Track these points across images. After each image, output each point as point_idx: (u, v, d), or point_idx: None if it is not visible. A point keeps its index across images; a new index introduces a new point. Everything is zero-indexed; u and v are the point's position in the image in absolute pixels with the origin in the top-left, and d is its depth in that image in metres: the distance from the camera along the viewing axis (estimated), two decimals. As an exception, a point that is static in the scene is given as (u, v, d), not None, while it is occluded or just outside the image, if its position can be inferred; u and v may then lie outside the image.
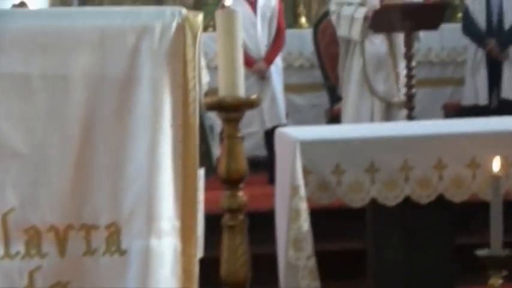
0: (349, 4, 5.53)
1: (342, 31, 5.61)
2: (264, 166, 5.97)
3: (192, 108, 1.84)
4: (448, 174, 3.10)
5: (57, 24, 1.78)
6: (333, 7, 5.63)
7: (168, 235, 1.87)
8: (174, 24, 1.84)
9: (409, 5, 5.31)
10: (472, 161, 3.11)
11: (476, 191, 3.15)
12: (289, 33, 6.77)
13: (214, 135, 6.31)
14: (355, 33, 5.49)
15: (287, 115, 6.45)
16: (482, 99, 6.20)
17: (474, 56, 6.30)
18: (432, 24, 5.47)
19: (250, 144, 6.74)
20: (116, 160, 1.77)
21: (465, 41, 6.86)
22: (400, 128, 3.55)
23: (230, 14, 2.85)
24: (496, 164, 2.99)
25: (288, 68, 6.93)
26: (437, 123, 4.25)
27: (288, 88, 6.81)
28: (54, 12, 1.98)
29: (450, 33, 7.05)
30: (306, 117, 6.98)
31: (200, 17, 1.95)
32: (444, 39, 6.63)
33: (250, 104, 2.84)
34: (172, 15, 1.83)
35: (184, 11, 1.89)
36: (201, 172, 2.22)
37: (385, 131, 3.34)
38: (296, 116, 6.93)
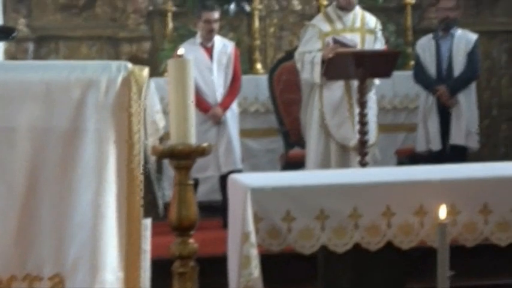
0: (310, 52, 5.64)
1: (305, 75, 5.71)
2: (219, 211, 5.98)
3: (137, 161, 1.85)
4: (396, 221, 3.14)
5: (4, 76, 1.80)
6: (297, 56, 5.75)
7: (112, 286, 1.87)
8: (120, 78, 1.87)
9: (361, 53, 5.39)
10: (420, 208, 3.16)
11: (424, 238, 3.19)
12: (245, 79, 6.84)
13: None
14: (316, 76, 5.59)
15: (242, 160, 6.48)
16: (435, 145, 6.30)
17: (425, 102, 6.40)
18: (385, 72, 5.56)
19: (206, 189, 6.76)
20: (61, 211, 1.77)
21: (417, 88, 6.99)
22: (350, 175, 3.59)
23: (182, 63, 2.89)
24: (442, 212, 3.05)
25: (243, 113, 6.97)
26: (386, 170, 4.30)
27: (244, 133, 6.84)
28: (1, 65, 1.99)
29: (402, 80, 7.17)
30: (261, 162, 7.01)
31: (146, 71, 1.98)
32: (396, 86, 6.74)
33: (201, 152, 2.87)
34: (118, 69, 1.85)
35: (129, 65, 1.91)
36: (148, 222, 2.23)
37: (335, 178, 3.37)
38: (251, 161, 6.96)
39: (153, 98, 6.68)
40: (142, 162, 1.90)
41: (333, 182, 3.21)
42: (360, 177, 3.37)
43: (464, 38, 6.39)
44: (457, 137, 6.25)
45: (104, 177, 1.82)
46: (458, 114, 6.27)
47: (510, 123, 8.23)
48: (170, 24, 7.35)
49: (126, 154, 1.88)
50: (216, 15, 6.21)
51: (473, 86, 6.41)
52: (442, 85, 6.25)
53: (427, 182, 3.24)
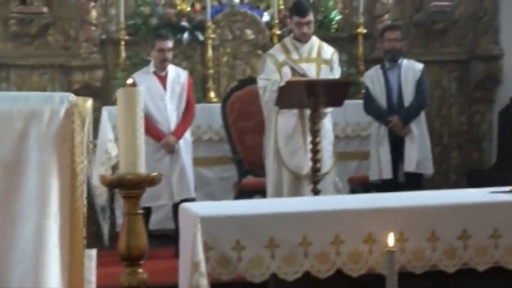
0: (275, 80, 5.69)
1: (269, 102, 5.73)
2: (172, 239, 5.95)
3: (80, 192, 1.84)
4: (345, 249, 3.16)
5: None
6: (260, 82, 5.80)
7: (55, 318, 1.85)
8: (63, 109, 1.87)
9: (313, 82, 5.44)
10: (369, 236, 3.19)
11: (373, 265, 3.22)
12: (199, 108, 6.85)
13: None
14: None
15: (196, 188, 6.47)
16: (386, 174, 6.36)
17: (377, 132, 6.46)
18: (337, 100, 5.61)
19: (160, 217, 6.73)
20: (3, 241, 1.76)
21: (368, 116, 7.09)
22: (300, 203, 3.61)
23: (131, 92, 2.89)
24: (391, 239, 3.09)
25: (197, 141, 6.98)
26: (336, 198, 4.33)
27: (197, 161, 6.84)
28: None
29: (355, 109, 7.24)
30: (214, 191, 7.01)
31: (89, 102, 1.98)
32: (349, 114, 6.80)
33: (150, 181, 2.87)
34: (61, 100, 1.85)
35: (72, 96, 1.92)
36: (92, 252, 2.22)
37: (285, 207, 3.39)
38: (205, 189, 6.95)
39: (106, 127, 6.66)
40: (85, 193, 1.89)
41: (283, 211, 3.22)
42: (310, 205, 3.39)
43: (411, 68, 6.50)
44: (410, 165, 6.33)
45: (46, 207, 1.81)
46: (411, 143, 6.35)
47: (460, 151, 8.38)
48: (123, 53, 7.35)
49: (69, 185, 1.87)
50: (169, 44, 6.24)
51: (423, 114, 6.51)
52: (395, 116, 6.34)
53: (375, 210, 3.28)
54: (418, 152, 6.34)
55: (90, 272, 2.09)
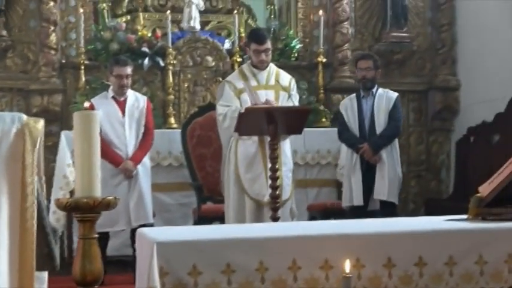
0: (235, 107, 5.67)
1: (229, 129, 5.70)
2: (131, 265, 5.89)
3: (30, 213, 1.81)
4: (302, 275, 3.15)
5: None
6: (220, 109, 5.75)
7: None
8: (14, 130, 1.84)
9: (272, 109, 5.44)
10: (325, 262, 3.18)
11: (330, 292, 3.21)
12: (159, 133, 6.85)
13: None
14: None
15: (155, 214, 6.44)
16: (357, 201, 6.38)
17: (350, 160, 6.49)
18: (296, 128, 5.62)
19: (118, 243, 6.68)
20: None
21: (328, 144, 7.14)
22: (258, 229, 3.60)
23: (87, 115, 2.88)
24: (347, 266, 3.09)
25: (156, 167, 6.97)
26: (293, 225, 4.33)
27: (157, 187, 6.82)
28: None
29: (314, 137, 7.30)
30: (174, 217, 6.99)
31: (41, 123, 1.96)
32: (308, 142, 6.79)
33: (106, 205, 2.85)
34: (12, 120, 1.83)
35: (24, 116, 1.89)
36: (44, 275, 2.18)
37: (242, 232, 3.38)
38: (164, 215, 6.93)
39: (64, 151, 6.61)
40: (35, 214, 1.87)
41: (239, 236, 3.21)
42: (267, 231, 3.38)
43: (385, 97, 6.54)
44: (380, 193, 6.37)
45: (-4, 228, 1.78)
46: (382, 171, 6.39)
47: (419, 179, 8.46)
48: (83, 77, 7.32)
49: (18, 206, 1.84)
50: (128, 70, 6.22)
51: (396, 143, 6.54)
52: (365, 143, 6.38)
53: (332, 236, 3.28)
54: (387, 181, 6.35)
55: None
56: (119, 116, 6.20)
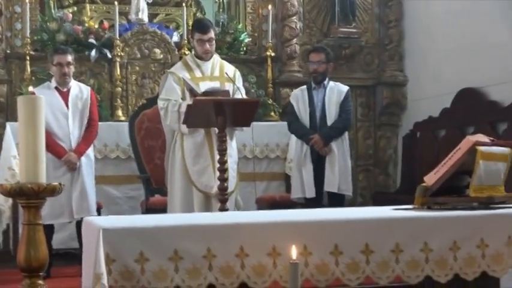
0: (176, 101, 5.62)
1: (169, 122, 5.66)
2: (77, 258, 5.84)
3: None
4: (249, 262, 3.15)
5: None
6: (160, 103, 5.70)
7: None
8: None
9: (220, 101, 5.39)
10: (273, 249, 3.19)
11: (277, 279, 3.22)
12: (106, 126, 6.80)
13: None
14: (184, 127, 5.57)
15: (102, 206, 6.40)
16: (309, 193, 6.41)
17: (300, 151, 6.52)
18: (244, 121, 5.60)
19: (65, 236, 6.64)
20: None
21: (276, 138, 7.17)
22: (205, 217, 3.60)
23: (32, 100, 2.85)
24: (294, 252, 3.11)
25: (104, 159, 6.93)
26: (240, 214, 4.34)
27: (104, 180, 6.78)
28: None
29: (263, 130, 7.33)
30: (122, 209, 6.96)
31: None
32: (257, 135, 6.80)
33: (51, 190, 2.82)
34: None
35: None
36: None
37: (189, 220, 3.37)
38: (112, 208, 6.89)
39: (10, 142, 6.52)
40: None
41: (187, 223, 3.20)
42: (215, 219, 3.38)
43: (336, 90, 6.58)
44: (330, 185, 6.40)
45: None
46: (332, 163, 6.42)
47: (367, 173, 8.55)
48: (28, 68, 7.21)
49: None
50: (68, 58, 6.15)
51: (346, 135, 6.60)
52: (316, 134, 6.40)
53: (279, 223, 3.29)
54: (338, 173, 6.39)
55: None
56: (62, 107, 6.13)
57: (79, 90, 6.25)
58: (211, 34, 5.82)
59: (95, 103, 6.33)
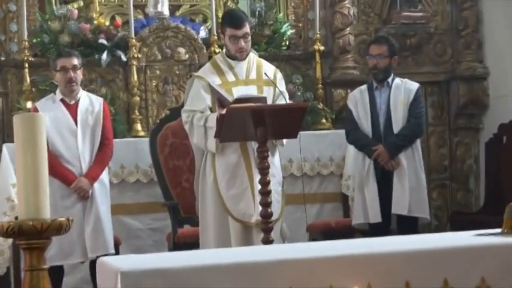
0: (202, 112, 5.62)
1: (196, 140, 5.67)
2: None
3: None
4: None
5: None
6: (184, 116, 5.71)
7: None
8: None
9: (260, 108, 5.36)
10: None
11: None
12: (122, 143, 6.85)
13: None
14: (211, 143, 5.57)
15: (120, 242, 6.43)
16: (374, 217, 6.37)
17: (362, 166, 6.49)
18: (290, 131, 5.57)
19: (76, 279, 6.68)
20: None
21: (330, 151, 7.14)
22: (244, 253, 3.59)
23: (31, 118, 2.86)
24: (357, 293, 3.09)
25: (121, 184, 6.97)
26: (287, 247, 4.32)
27: (122, 209, 6.83)
28: None
29: (314, 141, 7.31)
30: (144, 244, 6.99)
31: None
32: (306, 149, 6.79)
33: (57, 228, 2.83)
34: None
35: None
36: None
37: (225, 257, 3.37)
38: (132, 243, 6.92)
39: (7, 168, 6.58)
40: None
41: (223, 262, 3.20)
42: (257, 255, 3.37)
43: (403, 88, 6.54)
44: (399, 206, 6.35)
45: None
46: (401, 179, 6.38)
47: (442, 190, 8.48)
48: (27, 78, 7.27)
49: None
50: (74, 61, 6.21)
51: (417, 144, 6.56)
52: (380, 144, 6.37)
53: (336, 258, 3.27)
54: (409, 191, 6.34)
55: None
56: (69, 124, 6.17)
57: (89, 102, 6.30)
58: (247, 28, 5.81)
59: (108, 117, 6.37)
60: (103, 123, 6.27)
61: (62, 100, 6.25)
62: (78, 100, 6.27)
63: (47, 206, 2.85)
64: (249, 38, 5.87)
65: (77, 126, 6.18)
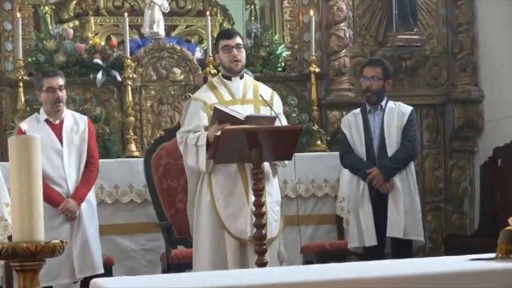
0: (195, 132, 5.62)
1: (189, 161, 5.66)
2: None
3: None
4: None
5: None
6: (179, 137, 5.71)
7: None
8: None
9: (255, 130, 5.36)
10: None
11: None
12: (116, 163, 6.85)
13: None
14: (202, 162, 5.56)
15: (114, 263, 6.41)
16: (369, 240, 6.35)
17: (356, 189, 6.48)
18: (285, 153, 5.58)
19: (68, 300, 6.63)
20: None
21: (324, 172, 7.14)
22: (240, 275, 3.58)
23: (26, 141, 2.87)
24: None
25: (115, 204, 6.96)
26: (281, 270, 4.30)
27: (116, 229, 6.82)
28: None
29: (308, 163, 7.31)
30: (138, 265, 6.99)
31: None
32: (300, 170, 6.77)
33: (51, 251, 2.83)
34: None
35: None
36: None
37: (221, 280, 3.35)
38: (126, 264, 6.92)
39: (1, 188, 6.55)
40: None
41: (219, 285, 3.18)
42: (251, 277, 3.36)
43: (396, 111, 6.52)
44: (394, 229, 6.34)
45: None
46: (396, 201, 6.36)
47: (437, 212, 8.48)
48: (22, 97, 7.28)
49: None
50: (60, 81, 6.18)
51: (411, 167, 6.53)
52: (374, 167, 6.38)
53: (330, 282, 3.26)
54: (404, 214, 6.34)
55: None
56: (55, 144, 6.13)
57: (74, 121, 6.26)
58: (239, 39, 5.86)
59: (93, 136, 6.33)
60: (88, 142, 6.24)
61: (46, 120, 6.22)
62: (63, 120, 6.23)
63: (41, 228, 2.85)
64: (243, 49, 5.87)
65: (62, 146, 6.14)
